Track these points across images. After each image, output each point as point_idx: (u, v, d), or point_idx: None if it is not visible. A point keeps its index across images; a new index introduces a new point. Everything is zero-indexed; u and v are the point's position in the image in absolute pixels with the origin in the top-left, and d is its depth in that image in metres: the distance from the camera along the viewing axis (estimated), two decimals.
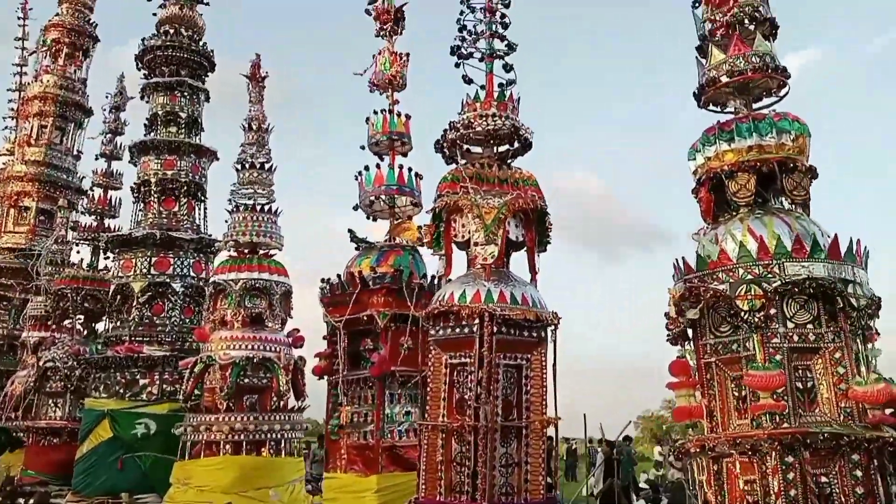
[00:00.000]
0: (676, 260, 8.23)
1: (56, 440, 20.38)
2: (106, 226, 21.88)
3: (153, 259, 17.68)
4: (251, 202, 15.85)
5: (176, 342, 17.36)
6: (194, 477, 13.79)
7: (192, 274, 18.05)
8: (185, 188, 18.59)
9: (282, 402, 14.70)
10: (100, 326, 21.99)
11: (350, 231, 12.78)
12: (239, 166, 16.22)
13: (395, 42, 13.26)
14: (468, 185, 8.93)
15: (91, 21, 32.28)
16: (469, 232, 9.05)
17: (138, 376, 16.87)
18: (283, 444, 14.58)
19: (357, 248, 12.72)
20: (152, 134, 19.04)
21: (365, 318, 11.60)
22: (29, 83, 31.68)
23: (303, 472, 15.16)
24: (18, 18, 36.87)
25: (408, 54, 13.11)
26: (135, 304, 17.42)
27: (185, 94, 19.25)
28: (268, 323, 15.27)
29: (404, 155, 12.98)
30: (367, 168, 12.59)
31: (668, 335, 8.00)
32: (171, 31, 19.41)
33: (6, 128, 38.43)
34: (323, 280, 12.30)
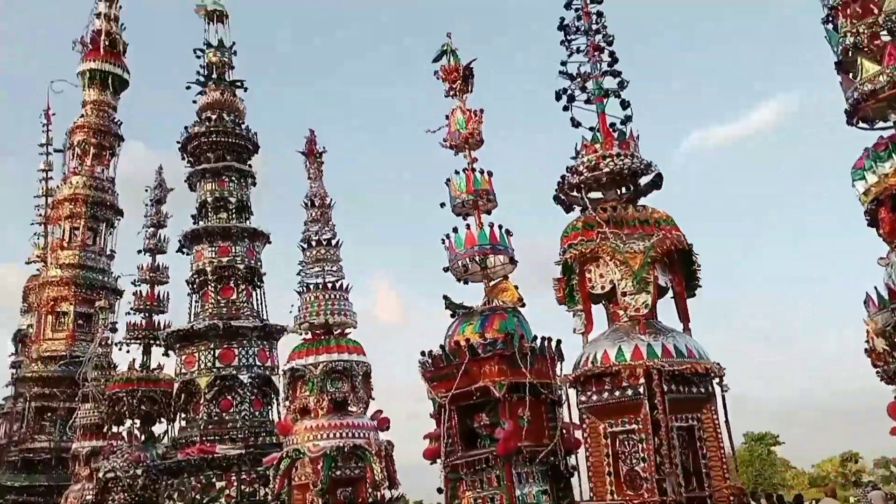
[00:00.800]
0: (868, 293, 7.27)
1: None
2: (155, 322, 21.10)
3: (217, 351, 16.78)
4: (321, 280, 15.09)
5: (249, 438, 16.27)
6: None
7: (257, 363, 17.10)
8: (242, 274, 17.83)
9: (379, 494, 13.55)
10: (156, 429, 21.02)
11: (445, 298, 11.87)
12: (304, 245, 15.52)
13: (466, 100, 12.67)
14: (606, 231, 8.11)
15: (116, 120, 32.34)
16: (611, 281, 8.18)
17: (214, 479, 15.73)
18: None
19: (453, 316, 11.80)
20: (202, 222, 18.37)
21: (477, 390, 10.59)
22: (58, 186, 31.50)
23: None
24: (42, 125, 37.12)
25: (482, 110, 12.48)
26: (202, 400, 16.40)
27: (234, 178, 18.73)
28: (352, 407, 14.26)
29: (488, 213, 12.20)
30: (455, 230, 11.78)
31: (880, 373, 7.00)
32: (214, 116, 19.02)
33: (35, 234, 38.26)
34: (423, 353, 11.34)
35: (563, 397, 11.01)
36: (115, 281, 30.75)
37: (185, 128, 19.22)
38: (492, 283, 11.79)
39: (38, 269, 34.19)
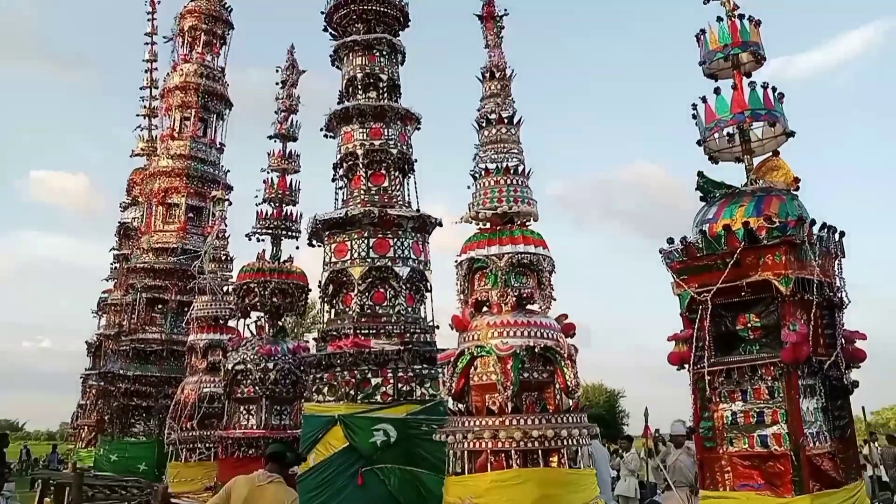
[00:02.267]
0: None
1: (252, 451, 18.33)
2: (287, 213, 19.80)
3: (371, 241, 15.28)
4: (502, 164, 13.27)
5: (404, 333, 14.92)
6: (484, 495, 11.21)
7: (412, 256, 15.58)
8: (395, 160, 16.15)
9: (572, 402, 12.02)
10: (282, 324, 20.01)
11: (700, 174, 9.90)
12: (482, 122, 13.67)
13: None
14: None
15: (227, 5, 30.67)
16: None
17: (369, 374, 14.47)
18: (578, 454, 11.88)
19: (704, 199, 9.84)
20: (351, 100, 16.63)
21: (749, 285, 8.74)
22: (168, 75, 30.27)
23: (598, 490, 12.39)
24: (147, 14, 35.80)
25: None
26: (355, 291, 15.02)
27: (385, 53, 16.84)
28: (538, 305, 12.64)
29: (748, 75, 10.03)
30: (717, 91, 9.71)
31: None
32: None
33: (139, 126, 37.48)
34: (670, 240, 9.49)
35: (845, 300, 9.12)
36: (226, 175, 29.72)
37: None
38: (765, 158, 9.74)
39: (146, 161, 33.52)
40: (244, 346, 18.98)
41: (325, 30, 17.65)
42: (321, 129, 17.08)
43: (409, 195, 16.54)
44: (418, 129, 16.93)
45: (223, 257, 25.25)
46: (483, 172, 13.30)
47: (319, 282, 15.95)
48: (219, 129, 29.71)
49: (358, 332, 14.70)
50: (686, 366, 9.33)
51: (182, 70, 29.03)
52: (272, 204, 19.85)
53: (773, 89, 9.54)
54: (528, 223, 13.27)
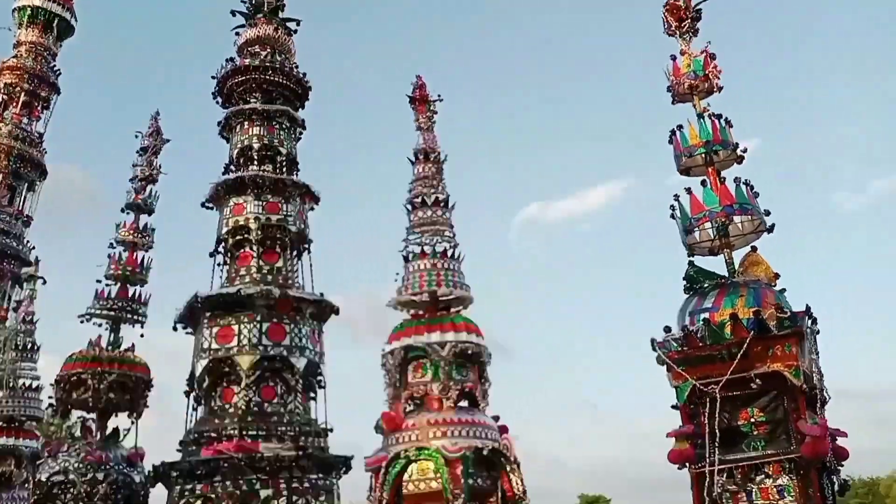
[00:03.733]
0: None
1: None
2: (132, 293, 16.93)
3: (265, 325, 13.29)
4: (435, 246, 12.33)
5: (298, 437, 12.85)
6: None
7: (309, 346, 13.78)
8: (293, 238, 14.55)
9: None
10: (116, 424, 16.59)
11: (691, 265, 9.66)
12: (410, 205, 12.74)
13: (692, 43, 10.86)
14: None
15: (55, 68, 27.38)
16: None
17: (258, 486, 12.09)
18: None
19: (689, 290, 9.56)
20: (243, 171, 14.97)
21: (759, 377, 8.39)
22: None
23: None
24: None
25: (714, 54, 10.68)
26: (242, 385, 12.81)
27: (285, 125, 15.54)
28: (481, 402, 11.46)
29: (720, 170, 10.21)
30: (703, 184, 9.75)
31: None
32: (264, 53, 15.84)
33: None
34: (667, 329, 9.01)
35: (827, 396, 9.08)
36: (30, 252, 25.43)
37: (227, 60, 15.89)
38: (748, 253, 9.74)
39: None
40: (65, 453, 15.32)
41: (215, 95, 15.99)
42: (203, 202, 15.03)
43: (301, 277, 14.83)
44: (315, 206, 15.52)
45: (28, 345, 21.03)
46: (417, 254, 12.27)
47: (193, 373, 13.41)
48: (28, 199, 25.60)
49: (244, 433, 12.36)
50: (689, 464, 8.67)
51: None
52: (115, 282, 16.94)
53: (745, 182, 9.80)
54: (462, 310, 12.31)
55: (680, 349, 8.83)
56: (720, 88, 10.68)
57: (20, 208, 25.45)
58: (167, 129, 18.55)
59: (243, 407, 12.73)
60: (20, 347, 19.77)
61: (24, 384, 19.18)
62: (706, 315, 8.95)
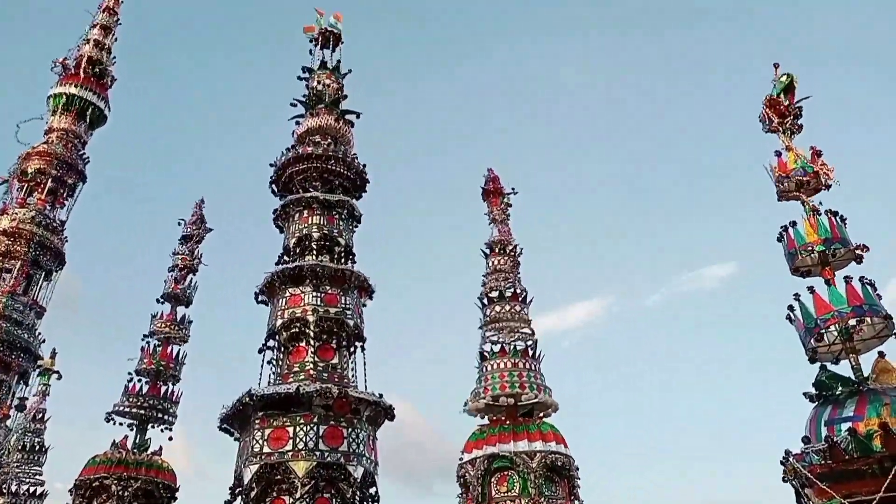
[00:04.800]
0: None
1: None
2: (164, 390, 15.79)
3: (321, 429, 12.18)
4: (513, 345, 11.48)
5: None
6: None
7: (365, 453, 12.62)
8: (351, 333, 13.67)
9: None
10: None
11: (823, 368, 8.86)
12: (486, 300, 12.01)
13: (793, 139, 10.53)
14: None
15: (84, 156, 27.17)
16: None
17: None
18: None
19: (817, 396, 8.71)
20: (300, 260, 14.26)
21: None
22: None
23: None
24: None
25: (819, 151, 10.31)
26: (297, 495, 11.56)
27: (344, 217, 14.96)
28: None
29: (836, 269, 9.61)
30: (811, 289, 9.12)
31: None
32: (325, 143, 15.51)
33: None
34: (806, 440, 8.11)
35: None
36: (40, 345, 24.27)
37: (287, 149, 15.53)
38: (879, 359, 8.95)
39: None
40: None
41: (272, 184, 15.53)
42: (256, 292, 14.22)
43: (355, 377, 13.82)
44: (365, 304, 14.71)
45: (36, 446, 19.49)
46: (495, 353, 11.41)
47: (239, 480, 12.13)
48: (44, 289, 24.66)
49: None
50: None
51: (14, 214, 24.35)
52: (147, 377, 15.84)
53: (863, 280, 9.18)
54: (546, 416, 11.33)
55: (823, 462, 7.89)
56: (828, 186, 10.25)
57: (35, 297, 24.52)
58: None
59: None
60: (27, 448, 18.34)
61: (27, 490, 17.66)
62: (849, 424, 8.09)
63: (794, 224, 9.85)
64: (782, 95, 10.64)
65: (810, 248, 9.59)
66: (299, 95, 16.53)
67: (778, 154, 10.48)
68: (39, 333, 24.29)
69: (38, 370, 19.76)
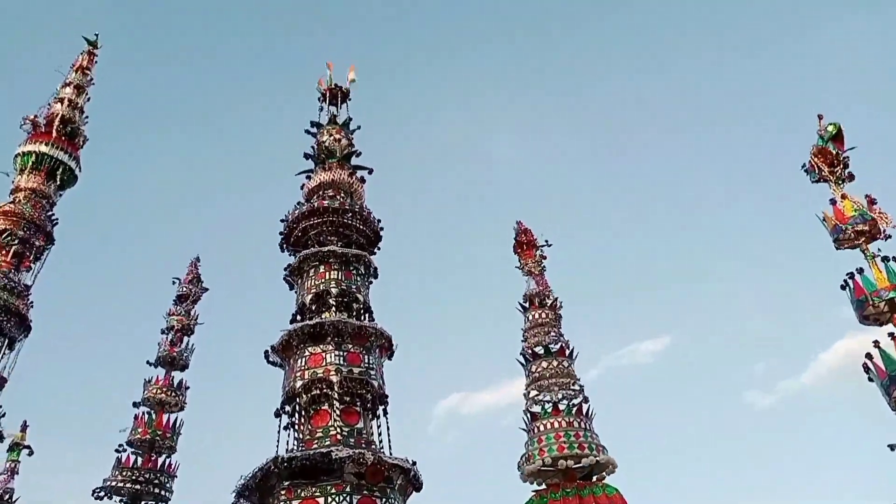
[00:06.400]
0: None
1: None
2: (157, 461, 14.47)
3: (354, 499, 11.22)
4: (564, 403, 10.86)
5: None
6: None
7: None
8: (376, 395, 12.85)
9: None
10: None
11: None
12: (531, 355, 11.43)
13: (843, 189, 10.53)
14: None
15: (52, 217, 25.89)
16: None
17: None
18: None
19: None
20: (316, 318, 13.49)
21: None
22: None
23: None
24: None
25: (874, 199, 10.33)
26: None
27: (361, 272, 14.31)
28: None
29: None
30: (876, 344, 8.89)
31: None
32: (341, 196, 14.99)
33: None
34: None
35: None
36: (0, 420, 22.41)
37: (298, 203, 14.93)
38: None
39: None
40: None
41: (283, 240, 14.83)
42: (266, 354, 13.31)
43: (378, 442, 12.89)
44: (389, 359, 13.92)
45: None
46: (548, 412, 10.76)
47: None
48: (6, 357, 22.91)
49: None
50: None
51: None
52: (139, 449, 14.50)
53: None
54: (604, 477, 10.63)
55: None
56: (888, 236, 10.20)
57: None
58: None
59: None
60: None
61: None
62: None
63: (860, 271, 9.71)
64: (830, 145, 10.67)
65: (881, 295, 9.42)
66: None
67: (833, 202, 10.44)
68: (0, 407, 22.52)
69: (9, 445, 18.10)
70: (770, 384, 53.20)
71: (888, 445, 8.71)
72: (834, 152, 10.73)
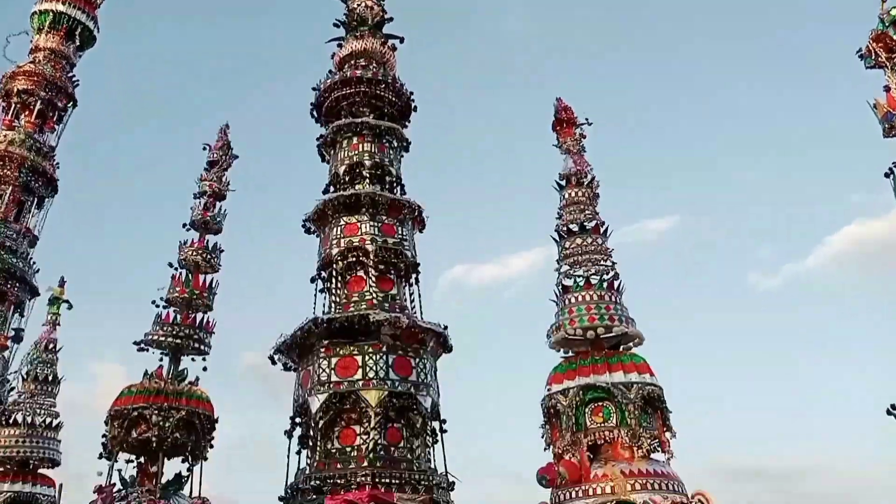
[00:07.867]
0: None
1: None
2: (195, 318, 15.11)
3: (391, 358, 11.83)
4: (597, 277, 11.23)
5: (431, 488, 11.30)
6: None
7: (432, 384, 12.36)
8: (409, 264, 13.25)
9: None
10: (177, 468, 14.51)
11: None
12: (565, 233, 11.69)
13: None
14: None
15: (74, 77, 25.60)
16: None
17: None
18: None
19: None
20: (350, 189, 13.68)
21: None
22: None
23: None
24: None
25: None
26: (367, 425, 11.25)
27: (395, 145, 14.36)
28: (665, 451, 10.26)
29: None
30: None
31: None
32: (373, 67, 14.76)
33: None
34: None
35: None
36: (34, 275, 23.14)
37: (330, 72, 14.73)
38: None
39: None
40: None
41: (314, 110, 14.75)
42: (303, 222, 13.61)
43: (411, 309, 13.43)
44: (420, 232, 14.25)
45: (48, 376, 18.60)
46: (580, 285, 11.14)
47: (304, 409, 11.72)
48: (36, 216, 23.39)
49: (377, 481, 10.73)
50: None
51: (3, 137, 22.87)
52: (177, 307, 15.11)
53: None
54: (631, 348, 11.17)
55: None
56: None
57: (26, 225, 23.42)
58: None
59: (371, 451, 11.10)
60: (39, 379, 17.58)
61: (42, 422, 16.92)
62: None
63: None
64: (891, 30, 10.37)
65: None
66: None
67: (887, 89, 10.27)
68: (34, 262, 23.25)
69: (49, 298, 18.90)
70: (774, 267, 53.65)
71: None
72: (895, 38, 10.44)
